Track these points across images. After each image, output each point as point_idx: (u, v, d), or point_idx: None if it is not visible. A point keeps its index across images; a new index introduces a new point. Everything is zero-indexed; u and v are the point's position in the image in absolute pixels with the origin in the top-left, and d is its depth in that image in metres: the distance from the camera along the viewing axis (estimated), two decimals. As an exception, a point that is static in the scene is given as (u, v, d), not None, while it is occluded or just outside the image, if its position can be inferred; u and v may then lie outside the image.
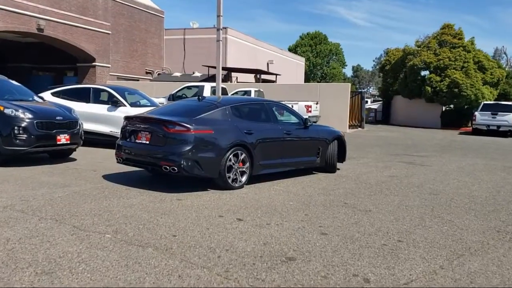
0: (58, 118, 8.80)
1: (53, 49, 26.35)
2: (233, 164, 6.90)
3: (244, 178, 7.10)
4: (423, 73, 30.10)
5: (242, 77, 34.72)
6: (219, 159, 6.69)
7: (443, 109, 30.28)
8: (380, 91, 36.72)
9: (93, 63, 26.64)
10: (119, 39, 29.84)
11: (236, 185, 6.98)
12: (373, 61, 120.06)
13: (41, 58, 28.43)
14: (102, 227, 4.80)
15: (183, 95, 17.69)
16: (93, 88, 12.51)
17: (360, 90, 28.71)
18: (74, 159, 9.60)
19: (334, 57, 73.90)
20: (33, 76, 28.20)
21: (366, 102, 32.57)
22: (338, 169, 9.26)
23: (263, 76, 36.10)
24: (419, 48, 31.42)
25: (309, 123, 8.39)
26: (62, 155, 9.52)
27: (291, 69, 46.21)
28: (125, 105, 11.71)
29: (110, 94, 12.12)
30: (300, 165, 8.39)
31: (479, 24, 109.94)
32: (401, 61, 32.65)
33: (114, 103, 11.69)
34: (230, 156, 6.82)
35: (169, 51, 35.83)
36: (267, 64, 40.81)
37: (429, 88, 29.27)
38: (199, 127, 6.62)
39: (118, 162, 7.25)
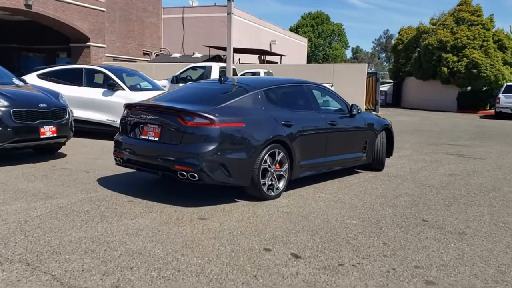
0: (41, 105, 7.08)
1: (44, 28, 24.44)
2: (269, 166, 5.24)
3: (281, 184, 5.45)
4: (438, 52, 28.26)
5: (244, 58, 32.91)
6: (252, 161, 5.03)
7: (460, 91, 28.57)
8: (390, 72, 34.90)
9: (87, 43, 24.77)
10: (115, 18, 27.86)
11: (273, 193, 5.33)
12: (373, 42, 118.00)
13: (31, 38, 26.52)
14: (96, 276, 3.15)
15: (188, 77, 15.92)
16: (85, 69, 10.73)
17: (375, 71, 26.93)
18: (63, 155, 7.91)
19: (336, 37, 71.78)
20: (23, 57, 26.35)
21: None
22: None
23: (266, 57, 34.29)
24: (435, 26, 29.57)
25: (355, 111, 6.71)
26: (49, 150, 7.83)
27: (293, 50, 44.38)
28: (123, 89, 9.97)
29: (105, 76, 10.37)
30: (345, 164, 6.73)
31: (481, 3, 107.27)
32: (414, 40, 30.86)
33: (110, 86, 9.95)
34: (266, 157, 5.16)
35: (167, 31, 33.93)
36: (270, 44, 38.98)
37: (445, 69, 27.57)
38: (226, 118, 4.93)
39: (117, 164, 5.57)
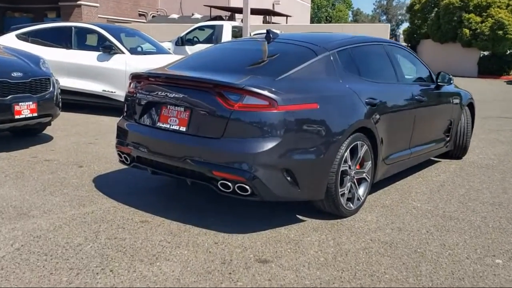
0: (15, 74, 5.26)
1: (30, -16, 22.12)
2: (349, 167, 3.52)
3: (362, 192, 3.74)
4: (460, 12, 26.05)
5: (247, 19, 30.65)
6: (328, 162, 3.29)
7: (481, 55, 26.54)
8: (404, 34, 32.74)
9: (78, 2, 22.48)
10: (108, -27, 25.45)
11: (353, 207, 3.63)
12: (373, 4, 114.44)
13: (16, -4, 24.16)
14: None
15: (195, 38, 13.93)
16: (75, 27, 8.78)
17: (394, 33, 24.87)
18: (49, 138, 6.15)
19: (339, -2, 68.84)
20: (8, 17, 24.00)
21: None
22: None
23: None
24: (456, -17, 27.21)
25: (441, 80, 4.94)
26: (30, 131, 6.08)
27: (297, 11, 42.13)
28: (122, 52, 8.10)
29: (100, 36, 8.45)
30: (428, 156, 5.01)
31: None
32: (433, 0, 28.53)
33: (106, 49, 8.07)
34: (346, 154, 3.43)
35: (164, -10, 31.68)
36: (273, 5, 36.77)
37: (467, 31, 25.42)
38: (291, 96, 3.16)
39: (122, 162, 3.81)
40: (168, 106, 3.39)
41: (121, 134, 3.73)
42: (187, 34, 13.99)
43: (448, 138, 5.26)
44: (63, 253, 2.85)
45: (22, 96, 5.26)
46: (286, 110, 3.08)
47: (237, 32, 13.34)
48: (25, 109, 5.26)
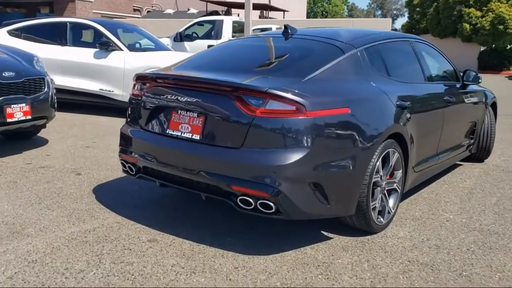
0: (6, 74, 4.86)
1: (22, -21, 21.59)
2: (381, 178, 3.16)
3: (392, 203, 3.39)
4: (459, 7, 25.77)
5: (242, 14, 30.28)
6: (360, 174, 2.94)
7: (481, 50, 26.29)
8: (403, 29, 32.45)
9: (72, -3, 22.00)
10: (102, -32, 24.96)
11: (383, 221, 3.28)
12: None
13: (8, -9, 23.61)
14: None
15: (194, 34, 13.52)
16: (70, 23, 8.35)
17: (394, 27, 24.55)
18: (44, 141, 5.76)
19: (335, -7, 68.38)
20: (0, 13, 23.44)
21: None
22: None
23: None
24: (455, -22, 26.90)
25: (467, 79, 4.62)
26: (24, 134, 5.69)
27: (293, 5, 41.74)
28: (120, 49, 7.69)
29: (97, 32, 8.04)
30: (453, 161, 4.68)
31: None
32: (432, -6, 28.24)
33: (103, 45, 7.66)
34: (378, 163, 3.07)
35: (159, -16, 31.30)
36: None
37: (467, 26, 25.18)
38: (320, 100, 2.80)
39: (126, 172, 3.43)
40: (179, 111, 3.01)
41: (125, 141, 3.35)
42: (186, 29, 13.56)
43: (472, 141, 4.93)
44: (63, 283, 2.48)
45: (14, 97, 4.86)
46: (315, 116, 2.71)
47: (237, 28, 12.94)
48: (18, 112, 4.87)
